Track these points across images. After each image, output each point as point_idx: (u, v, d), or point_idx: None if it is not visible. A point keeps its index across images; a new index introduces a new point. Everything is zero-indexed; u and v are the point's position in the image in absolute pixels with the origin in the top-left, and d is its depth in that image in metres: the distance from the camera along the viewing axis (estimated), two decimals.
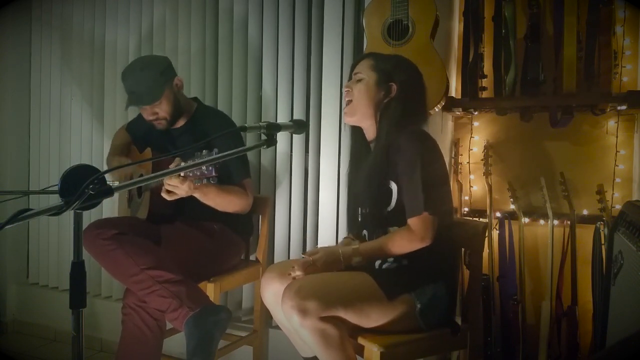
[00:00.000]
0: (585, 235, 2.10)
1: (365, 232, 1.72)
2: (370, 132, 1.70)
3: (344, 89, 1.70)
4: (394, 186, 1.60)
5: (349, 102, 1.68)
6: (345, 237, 1.80)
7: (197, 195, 1.80)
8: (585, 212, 2.15)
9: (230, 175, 1.99)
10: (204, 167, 1.48)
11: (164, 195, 1.71)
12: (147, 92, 1.96)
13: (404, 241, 1.55)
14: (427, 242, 1.53)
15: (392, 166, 1.59)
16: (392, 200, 1.61)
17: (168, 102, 2.01)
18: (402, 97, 1.63)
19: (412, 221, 1.54)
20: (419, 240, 1.53)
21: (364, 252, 1.58)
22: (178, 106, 2.05)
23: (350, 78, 1.72)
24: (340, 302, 1.45)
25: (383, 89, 1.64)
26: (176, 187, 1.67)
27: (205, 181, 1.58)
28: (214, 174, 1.51)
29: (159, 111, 2.01)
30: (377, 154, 1.63)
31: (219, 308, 1.80)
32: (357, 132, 1.76)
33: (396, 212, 1.59)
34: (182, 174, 1.62)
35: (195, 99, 2.22)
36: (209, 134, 2.02)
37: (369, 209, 1.68)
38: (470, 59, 2.15)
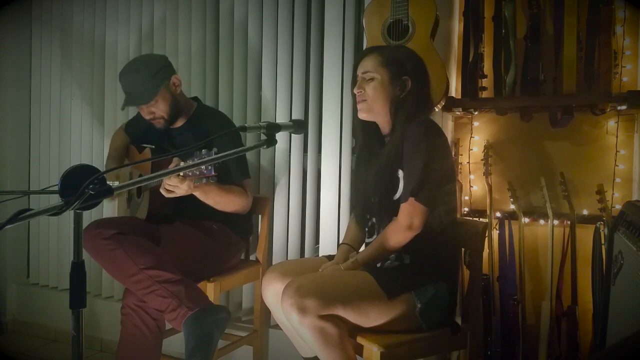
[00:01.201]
0: (585, 235, 2.10)
1: (374, 219, 1.72)
2: (385, 127, 1.69)
3: (355, 91, 1.66)
4: (401, 174, 1.60)
5: (364, 101, 1.65)
6: (341, 244, 1.78)
7: (197, 194, 1.80)
8: (585, 212, 2.15)
9: (230, 175, 1.99)
10: (203, 167, 1.48)
11: (163, 192, 1.71)
12: (141, 93, 1.98)
13: (394, 232, 1.55)
14: (414, 231, 1.53)
15: (402, 155, 1.59)
16: (399, 189, 1.61)
17: (164, 102, 2.01)
18: (418, 90, 1.62)
19: (401, 207, 1.55)
20: (406, 229, 1.53)
21: (364, 261, 1.59)
22: (176, 105, 2.05)
23: (354, 76, 1.70)
24: (340, 301, 1.45)
25: (398, 84, 1.62)
26: (176, 187, 1.68)
27: (204, 180, 1.58)
28: (213, 173, 1.51)
29: (156, 110, 2.02)
30: (392, 146, 1.62)
31: (218, 308, 1.80)
32: (369, 126, 1.73)
33: (400, 201, 1.59)
34: (181, 173, 1.62)
35: (195, 98, 2.22)
36: (208, 134, 2.02)
37: (378, 197, 1.67)
38: (470, 59, 2.15)
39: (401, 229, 1.54)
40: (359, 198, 1.77)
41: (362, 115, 1.68)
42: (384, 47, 1.72)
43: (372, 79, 1.63)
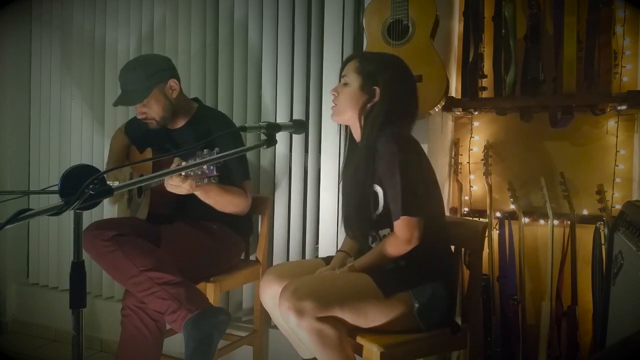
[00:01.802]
0: (585, 235, 2.10)
1: (358, 233, 1.72)
2: (357, 134, 1.70)
3: (331, 93, 1.69)
4: (379, 190, 1.60)
5: (335, 105, 1.68)
6: (338, 251, 1.78)
7: (198, 193, 1.80)
8: (585, 212, 2.15)
9: (230, 176, 1.99)
10: (204, 166, 1.48)
11: (167, 187, 1.71)
12: (133, 93, 1.99)
13: (392, 247, 1.55)
14: (413, 244, 1.53)
15: (375, 170, 1.59)
16: (380, 204, 1.60)
17: (157, 104, 2.01)
18: (386, 101, 1.60)
19: (395, 225, 1.54)
20: (405, 243, 1.53)
21: (360, 268, 1.58)
22: (170, 109, 2.04)
23: (339, 80, 1.72)
24: (337, 302, 1.44)
25: (367, 93, 1.62)
26: (178, 187, 1.68)
27: (206, 180, 1.58)
28: (215, 173, 1.50)
29: (147, 111, 2.02)
30: (362, 158, 1.62)
31: (218, 310, 1.80)
32: (347, 132, 1.76)
33: (385, 215, 1.59)
34: (182, 173, 1.62)
35: (196, 99, 2.22)
36: (209, 134, 2.02)
37: (357, 213, 1.67)
38: (470, 59, 2.15)
39: (401, 244, 1.54)
40: (343, 214, 1.78)
41: (332, 118, 1.71)
42: (366, 54, 1.73)
43: (346, 84, 1.65)
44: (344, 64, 1.70)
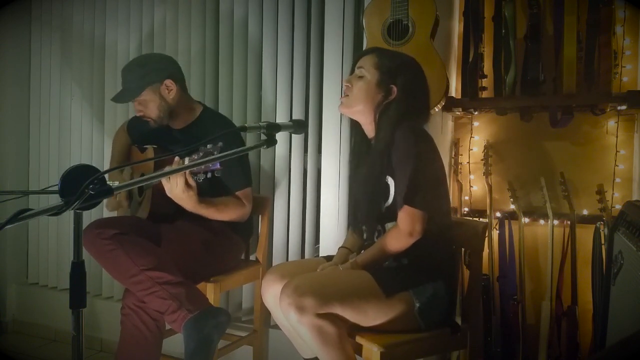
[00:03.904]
0: (585, 235, 2.10)
1: (364, 227, 1.72)
2: (369, 130, 1.70)
3: (344, 83, 1.69)
4: (391, 182, 1.61)
5: (347, 96, 1.67)
6: (340, 247, 1.79)
7: (190, 207, 1.80)
8: (585, 212, 2.15)
9: (229, 184, 1.99)
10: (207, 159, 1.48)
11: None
12: (126, 91, 2.01)
13: (394, 239, 1.55)
14: (415, 237, 1.53)
15: (389, 162, 1.59)
16: (390, 195, 1.61)
17: (152, 103, 2.01)
18: (402, 100, 1.62)
19: (399, 215, 1.55)
20: (407, 235, 1.53)
21: (363, 263, 1.59)
22: (166, 109, 2.04)
23: (352, 71, 1.71)
24: (337, 299, 1.45)
25: (383, 90, 1.63)
26: (171, 190, 1.70)
27: (209, 174, 1.58)
28: (218, 166, 1.50)
29: (143, 110, 2.03)
30: (376, 153, 1.63)
31: (218, 311, 1.80)
32: (356, 128, 1.75)
33: (394, 207, 1.59)
34: (187, 172, 1.63)
35: (200, 102, 2.22)
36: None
37: (367, 204, 1.67)
38: (470, 59, 2.15)
39: (403, 236, 1.54)
40: (351, 207, 1.78)
41: (341, 109, 1.70)
42: (386, 50, 1.72)
43: (362, 77, 1.65)
44: (360, 56, 1.69)
